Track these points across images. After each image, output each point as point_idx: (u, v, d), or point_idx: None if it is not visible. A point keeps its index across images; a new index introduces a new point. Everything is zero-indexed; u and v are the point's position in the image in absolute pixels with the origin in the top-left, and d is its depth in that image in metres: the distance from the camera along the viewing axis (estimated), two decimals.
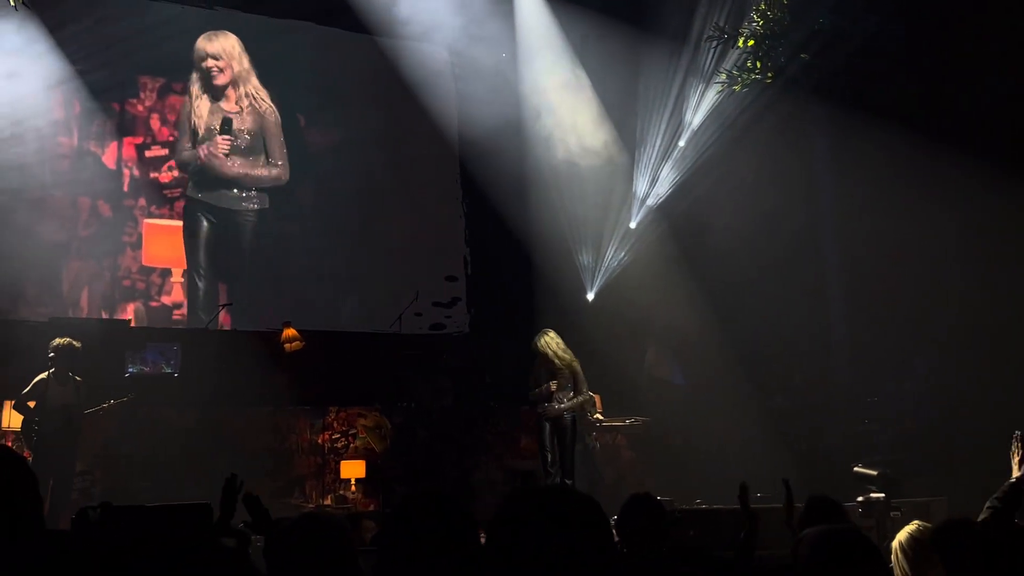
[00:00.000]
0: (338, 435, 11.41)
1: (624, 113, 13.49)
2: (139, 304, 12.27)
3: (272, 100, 13.26)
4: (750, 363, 11.92)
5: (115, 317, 11.86)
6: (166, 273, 12.50)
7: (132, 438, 10.19)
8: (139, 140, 12.51)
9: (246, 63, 13.01)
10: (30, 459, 8.75)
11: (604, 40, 12.94)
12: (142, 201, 12.43)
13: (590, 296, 13.66)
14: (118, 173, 12.34)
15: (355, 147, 13.61)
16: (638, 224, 13.51)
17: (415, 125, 13.70)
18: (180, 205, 12.68)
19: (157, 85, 12.65)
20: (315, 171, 13.51)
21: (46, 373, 9.15)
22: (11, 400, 9.36)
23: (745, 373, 11.78)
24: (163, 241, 12.55)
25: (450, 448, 11.23)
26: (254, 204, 13.00)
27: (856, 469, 9.22)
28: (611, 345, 12.69)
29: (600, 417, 11.06)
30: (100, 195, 12.22)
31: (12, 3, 9.11)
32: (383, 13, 12.99)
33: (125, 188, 12.37)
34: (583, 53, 13.47)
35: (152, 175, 12.52)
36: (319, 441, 11.30)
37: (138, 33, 12.17)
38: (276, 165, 13.07)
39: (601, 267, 13.65)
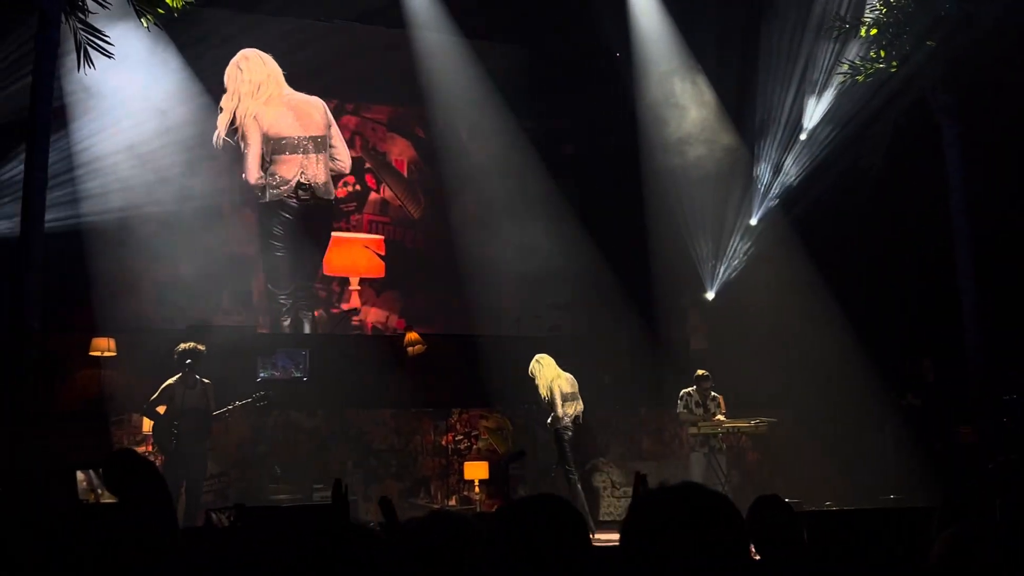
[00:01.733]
0: (461, 436, 11.55)
1: (744, 108, 13.24)
2: (320, 311, 12.79)
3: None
4: (881, 361, 11.55)
5: (296, 325, 12.34)
6: (344, 282, 13.04)
7: (264, 441, 10.54)
8: None
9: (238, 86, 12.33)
10: (162, 463, 9.07)
11: (721, 33, 12.76)
12: None
13: (710, 295, 13.44)
14: None
15: (481, 154, 13.67)
16: (760, 220, 13.22)
17: (536, 128, 13.67)
18: (354, 218, 13.25)
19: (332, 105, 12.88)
20: (475, 180, 13.64)
21: (173, 378, 9.37)
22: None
23: (877, 371, 11.43)
24: (341, 252, 13.05)
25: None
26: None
27: (991, 467, 8.88)
28: (734, 345, 12.46)
29: (722, 419, 10.87)
30: None
31: (144, 24, 9.45)
32: (495, 18, 13.07)
33: None
34: (699, 48, 13.27)
35: None
36: (443, 443, 11.47)
37: (269, 47, 12.33)
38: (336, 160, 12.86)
39: (721, 265, 13.39)
